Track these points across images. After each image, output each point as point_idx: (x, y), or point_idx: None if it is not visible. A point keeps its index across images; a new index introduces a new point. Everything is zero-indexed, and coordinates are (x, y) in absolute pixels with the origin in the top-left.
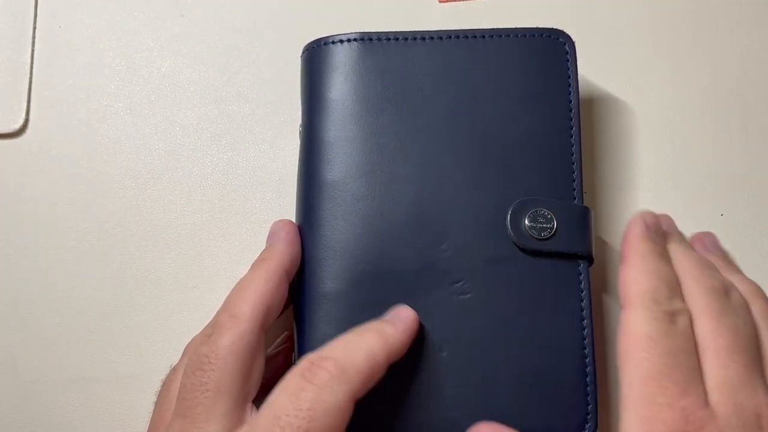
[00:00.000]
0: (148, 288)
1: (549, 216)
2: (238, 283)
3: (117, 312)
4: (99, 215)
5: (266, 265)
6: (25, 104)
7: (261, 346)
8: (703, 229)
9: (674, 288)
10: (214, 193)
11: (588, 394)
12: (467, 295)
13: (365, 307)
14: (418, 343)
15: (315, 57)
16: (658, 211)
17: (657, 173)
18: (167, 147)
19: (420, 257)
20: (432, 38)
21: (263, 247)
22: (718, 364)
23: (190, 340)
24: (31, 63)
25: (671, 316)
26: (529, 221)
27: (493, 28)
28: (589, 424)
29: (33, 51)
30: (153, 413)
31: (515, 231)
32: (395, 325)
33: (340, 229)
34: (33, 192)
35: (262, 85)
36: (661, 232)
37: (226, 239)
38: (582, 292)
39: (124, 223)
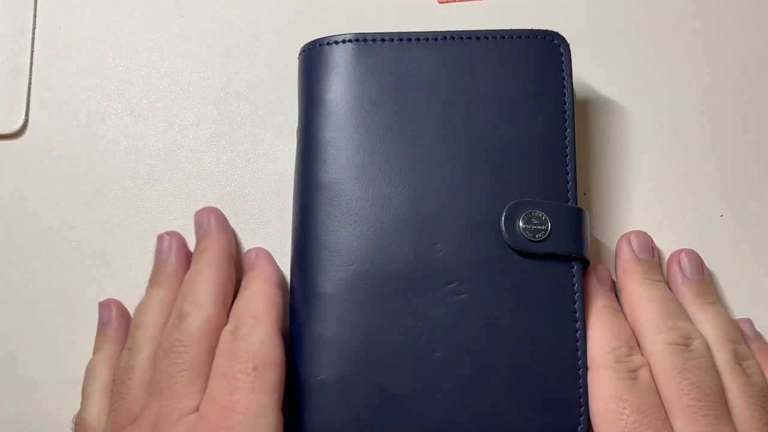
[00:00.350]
0: None
1: (543, 218)
2: (187, 278)
3: None
4: (99, 216)
5: (209, 254)
6: (25, 105)
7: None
8: (703, 229)
9: (631, 342)
10: (213, 194)
11: (581, 396)
12: (461, 296)
13: (360, 306)
14: (412, 344)
15: (311, 58)
16: (656, 211)
17: (657, 173)
18: (167, 147)
19: (414, 257)
20: (427, 39)
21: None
22: (687, 421)
23: None
24: (31, 63)
25: (634, 373)
26: (524, 223)
27: (488, 30)
28: (582, 426)
29: (33, 51)
30: (110, 418)
31: (509, 232)
32: (258, 265)
33: (334, 230)
34: (33, 192)
35: (262, 85)
36: (611, 285)
37: None
38: (576, 293)
39: (124, 223)
